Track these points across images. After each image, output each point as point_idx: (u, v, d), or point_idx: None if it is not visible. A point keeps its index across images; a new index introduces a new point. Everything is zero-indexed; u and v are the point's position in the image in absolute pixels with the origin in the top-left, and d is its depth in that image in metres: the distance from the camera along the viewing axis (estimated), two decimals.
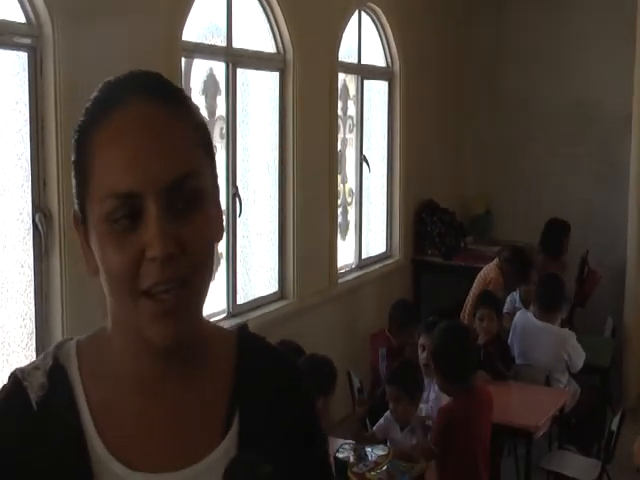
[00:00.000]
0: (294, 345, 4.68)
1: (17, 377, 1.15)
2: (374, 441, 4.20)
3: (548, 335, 5.56)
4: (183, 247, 1.05)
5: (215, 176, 1.17)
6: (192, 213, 1.07)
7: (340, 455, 3.99)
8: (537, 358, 5.54)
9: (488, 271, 6.59)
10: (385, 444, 4.24)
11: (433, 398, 4.80)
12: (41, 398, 1.12)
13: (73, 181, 1.13)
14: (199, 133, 1.13)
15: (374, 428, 4.52)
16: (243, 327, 1.32)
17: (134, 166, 1.05)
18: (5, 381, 1.17)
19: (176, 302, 1.06)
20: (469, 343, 4.46)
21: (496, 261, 6.64)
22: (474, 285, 6.58)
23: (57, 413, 1.12)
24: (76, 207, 1.14)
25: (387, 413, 4.48)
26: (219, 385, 1.20)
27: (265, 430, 1.19)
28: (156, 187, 1.04)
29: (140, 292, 1.06)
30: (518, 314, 5.93)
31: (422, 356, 4.94)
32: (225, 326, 4.99)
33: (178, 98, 1.14)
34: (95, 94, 1.13)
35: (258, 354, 1.26)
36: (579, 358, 5.54)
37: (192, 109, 1.15)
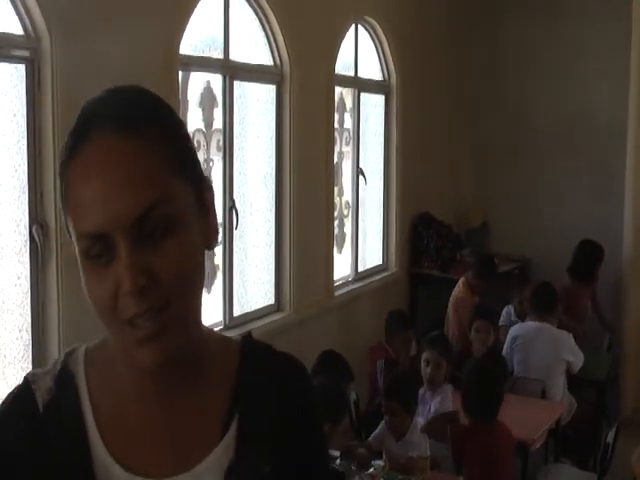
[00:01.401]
0: (333, 352, 4.77)
1: (27, 380, 1.19)
2: (365, 460, 4.18)
3: (546, 334, 5.67)
4: (156, 277, 1.07)
5: (201, 188, 1.16)
6: (164, 240, 1.08)
7: (336, 467, 3.99)
8: (537, 358, 5.61)
9: (456, 292, 6.61)
10: (380, 455, 4.25)
11: (434, 410, 4.81)
12: (47, 401, 1.16)
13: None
14: (171, 153, 1.12)
15: (370, 439, 4.52)
16: (248, 335, 1.33)
17: (98, 206, 1.06)
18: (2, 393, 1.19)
19: (157, 328, 1.08)
20: (498, 383, 4.51)
21: (462, 279, 6.66)
22: (449, 307, 6.64)
23: (62, 416, 1.16)
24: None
25: (382, 423, 4.48)
26: (220, 390, 1.22)
27: (264, 432, 1.20)
28: (122, 224, 1.06)
29: (122, 321, 1.08)
30: (513, 328, 5.97)
31: (426, 371, 4.96)
32: None
33: (148, 120, 1.12)
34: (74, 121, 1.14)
35: (261, 359, 1.28)
36: (578, 358, 5.62)
37: (165, 127, 1.13)
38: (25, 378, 1.20)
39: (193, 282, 1.12)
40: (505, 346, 5.86)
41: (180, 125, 1.17)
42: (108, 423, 1.17)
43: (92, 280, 1.09)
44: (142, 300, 1.06)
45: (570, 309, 6.67)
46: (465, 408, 4.44)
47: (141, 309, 1.07)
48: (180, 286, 1.09)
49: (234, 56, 5.22)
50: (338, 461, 4.11)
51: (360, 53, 6.83)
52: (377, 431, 4.52)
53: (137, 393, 1.19)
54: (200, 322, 1.18)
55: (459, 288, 6.61)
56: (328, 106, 6.16)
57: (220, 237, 5.19)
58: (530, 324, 5.83)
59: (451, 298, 6.63)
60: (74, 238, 1.10)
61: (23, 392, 1.18)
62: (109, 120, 1.09)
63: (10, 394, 1.20)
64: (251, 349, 1.29)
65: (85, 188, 1.07)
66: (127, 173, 1.07)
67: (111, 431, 1.16)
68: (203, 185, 1.17)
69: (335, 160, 6.45)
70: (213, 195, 1.19)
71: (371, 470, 4.06)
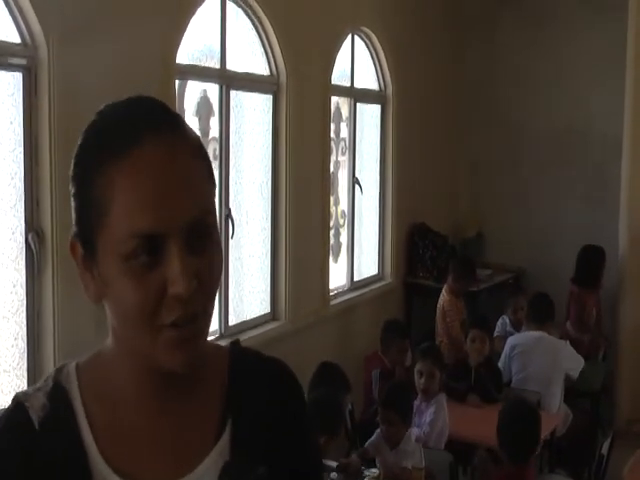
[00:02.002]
0: (331, 364, 4.88)
1: (19, 399, 1.18)
2: (358, 469, 4.18)
3: (545, 344, 5.70)
4: (203, 282, 1.08)
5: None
6: (206, 247, 1.10)
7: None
8: (535, 368, 5.64)
9: (442, 300, 6.62)
10: (374, 462, 4.27)
11: (429, 421, 4.81)
12: (42, 418, 1.15)
13: (75, 211, 1.13)
14: (203, 161, 1.15)
15: (366, 445, 4.53)
16: (235, 342, 1.34)
17: (156, 207, 1.06)
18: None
19: (194, 331, 1.10)
20: (537, 423, 4.31)
21: (445, 287, 6.67)
22: (437, 316, 6.65)
23: (59, 432, 1.15)
24: (74, 234, 1.14)
25: (378, 432, 4.49)
26: (213, 397, 1.23)
27: (257, 436, 1.21)
28: (177, 227, 1.06)
29: (159, 326, 1.08)
30: (511, 337, 6.00)
31: (420, 382, 4.97)
32: None
33: (184, 129, 1.14)
34: (98, 124, 1.13)
35: (251, 364, 1.29)
36: (577, 363, 5.65)
37: (194, 135, 1.16)
38: (15, 397, 1.19)
39: (218, 290, 1.16)
40: (503, 355, 5.87)
41: None
42: (105, 434, 1.17)
43: (132, 283, 1.06)
44: (190, 304, 1.07)
45: (577, 315, 6.74)
46: (503, 448, 4.22)
47: (187, 312, 1.07)
48: (215, 292, 1.13)
49: (231, 65, 5.23)
50: (334, 474, 4.11)
51: (356, 63, 6.85)
52: (372, 438, 4.52)
53: (136, 403, 1.19)
54: None
55: (443, 296, 6.62)
56: (324, 116, 6.17)
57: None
58: (529, 334, 5.85)
59: (437, 307, 6.63)
60: (117, 238, 1.06)
61: (17, 411, 1.17)
62: (157, 123, 1.10)
63: (3, 414, 1.19)
64: (240, 355, 1.30)
65: (141, 187, 1.06)
66: (183, 177, 1.09)
67: (108, 442, 1.16)
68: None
69: (331, 170, 6.46)
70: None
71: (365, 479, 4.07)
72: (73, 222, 1.14)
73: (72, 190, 1.14)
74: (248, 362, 1.29)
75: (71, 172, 1.14)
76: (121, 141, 1.08)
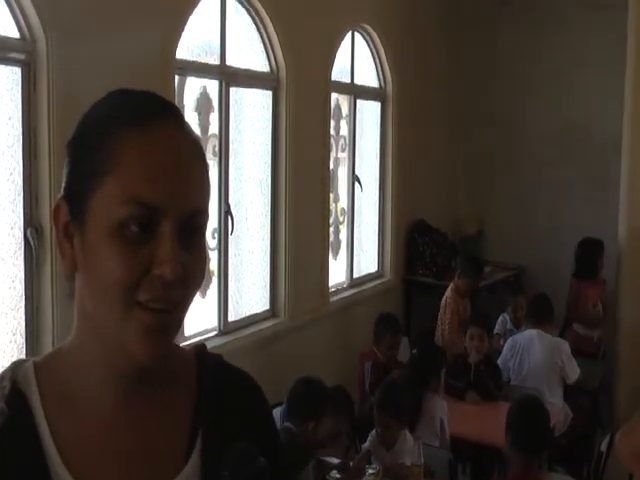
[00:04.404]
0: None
1: None
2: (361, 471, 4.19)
3: (542, 341, 5.71)
4: (188, 273, 1.06)
5: None
6: (196, 245, 1.09)
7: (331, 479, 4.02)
8: (532, 365, 5.65)
9: (445, 297, 6.60)
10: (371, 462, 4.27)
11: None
12: (1, 424, 1.07)
13: (70, 173, 1.10)
14: (206, 165, 1.14)
15: (363, 448, 4.51)
16: (201, 346, 1.31)
17: (163, 183, 1.05)
18: None
19: (168, 322, 1.07)
20: (548, 420, 4.26)
21: (450, 285, 6.65)
22: (439, 315, 6.64)
23: (18, 440, 1.08)
24: (63, 195, 1.11)
25: (373, 432, 4.48)
26: (182, 406, 1.19)
27: (227, 448, 1.17)
28: (176, 211, 1.05)
29: (134, 302, 1.04)
30: (512, 337, 6.01)
31: None
32: (216, 344, 4.96)
33: (194, 131, 1.15)
34: (116, 98, 1.12)
35: (218, 373, 1.26)
36: (573, 368, 5.64)
37: (199, 139, 1.16)
38: None
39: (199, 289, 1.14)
40: (502, 354, 5.87)
41: None
42: (68, 443, 1.10)
43: (118, 254, 1.03)
44: (169, 289, 1.04)
45: (579, 309, 6.80)
46: (513, 447, 4.10)
47: (164, 296, 1.04)
48: (196, 290, 1.10)
49: (230, 61, 5.22)
50: (334, 471, 4.11)
51: (356, 60, 6.84)
52: (369, 440, 4.51)
53: (100, 408, 1.13)
54: None
55: (447, 294, 6.61)
56: (324, 112, 6.17)
57: (215, 242, 5.20)
58: (527, 331, 5.89)
59: (441, 305, 6.61)
60: (114, 201, 1.04)
61: None
62: (179, 113, 1.12)
63: None
64: (208, 363, 1.26)
65: (151, 160, 1.05)
66: (193, 170, 1.09)
67: (72, 452, 1.10)
68: None
69: (331, 166, 6.45)
70: None
71: (366, 477, 4.07)
72: (63, 185, 1.12)
73: (70, 153, 1.12)
74: (214, 370, 1.26)
75: (72, 136, 1.12)
76: (141, 113, 1.09)
